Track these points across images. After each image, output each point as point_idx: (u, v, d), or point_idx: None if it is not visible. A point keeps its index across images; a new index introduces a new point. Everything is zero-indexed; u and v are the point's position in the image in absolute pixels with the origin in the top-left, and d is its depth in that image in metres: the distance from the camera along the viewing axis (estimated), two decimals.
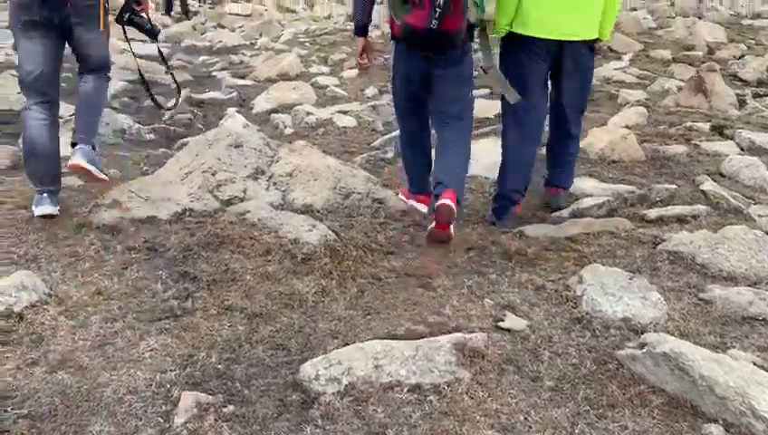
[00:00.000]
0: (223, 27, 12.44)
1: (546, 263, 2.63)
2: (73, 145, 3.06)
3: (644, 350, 1.85)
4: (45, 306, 2.08)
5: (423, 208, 3.19)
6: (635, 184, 3.88)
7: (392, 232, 2.85)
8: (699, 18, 12.51)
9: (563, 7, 2.94)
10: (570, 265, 2.60)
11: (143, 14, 3.36)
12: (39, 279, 2.20)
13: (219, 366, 1.86)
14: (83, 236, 2.69)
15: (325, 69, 8.27)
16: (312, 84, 7.12)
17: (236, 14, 14.68)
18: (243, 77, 7.71)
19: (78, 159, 3.00)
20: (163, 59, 4.04)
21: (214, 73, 7.87)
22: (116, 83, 6.95)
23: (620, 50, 8.58)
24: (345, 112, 5.64)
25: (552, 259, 2.66)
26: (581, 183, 3.84)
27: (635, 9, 13.80)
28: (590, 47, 3.16)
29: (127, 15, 3.30)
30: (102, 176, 3.13)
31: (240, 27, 12.67)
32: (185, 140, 4.68)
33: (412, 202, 3.24)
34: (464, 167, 3.06)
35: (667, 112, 5.44)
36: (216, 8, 15.79)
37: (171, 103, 4.01)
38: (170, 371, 1.82)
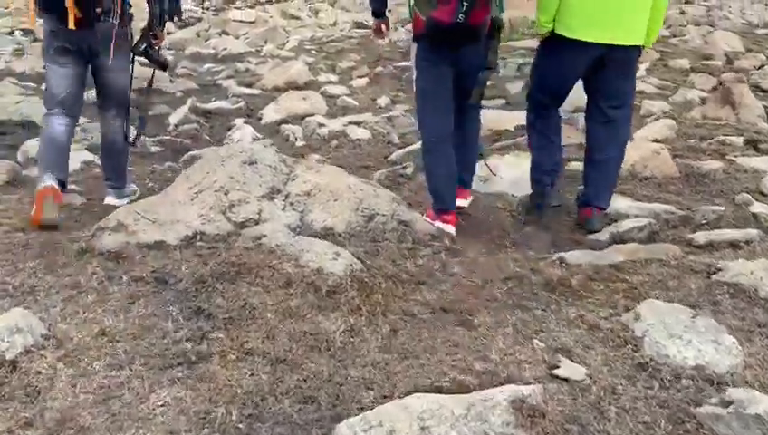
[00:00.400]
0: (227, 34, 12.25)
1: (594, 296, 2.39)
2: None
3: (730, 409, 1.61)
4: (42, 351, 1.84)
5: (451, 230, 3.03)
6: (672, 203, 3.65)
7: (422, 259, 2.62)
8: (711, 27, 12.34)
9: (612, 9, 2.86)
10: (620, 298, 2.36)
11: (158, 47, 3.53)
12: (36, 318, 1.97)
13: (240, 425, 1.62)
14: (85, 264, 2.45)
15: (333, 77, 8.05)
16: (321, 93, 6.89)
17: (240, 21, 14.49)
18: (249, 85, 7.50)
19: (111, 201, 3.41)
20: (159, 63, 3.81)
21: (219, 82, 7.65)
22: None
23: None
24: (358, 124, 5.41)
25: (599, 291, 2.42)
26: (615, 202, 3.60)
27: None
28: (637, 53, 3.10)
29: (143, 47, 3.44)
30: None
31: (245, 34, 12.48)
32: (192, 153, 4.45)
33: (438, 224, 3.05)
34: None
35: (695, 125, 5.21)
36: (219, 15, 15.62)
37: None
38: (185, 431, 1.58)
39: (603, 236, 3.12)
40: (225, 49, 9.67)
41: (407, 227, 2.88)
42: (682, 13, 14.46)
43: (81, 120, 5.56)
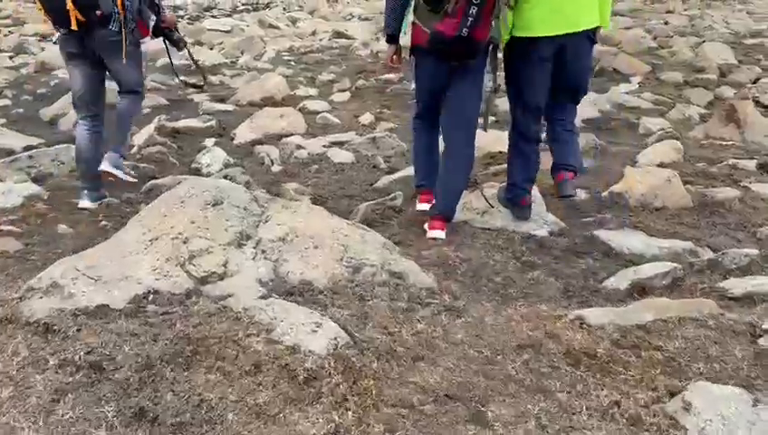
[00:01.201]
0: (201, 44, 11.74)
1: (626, 371, 1.99)
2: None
3: None
4: None
5: (441, 235, 3.18)
6: (689, 238, 3.29)
7: (420, 323, 2.20)
8: (697, 37, 12.16)
9: (562, 1, 2.99)
10: (658, 373, 1.97)
11: (172, 30, 3.99)
12: None
13: None
14: (8, 338, 1.99)
15: (313, 91, 7.63)
16: (300, 110, 6.46)
17: (216, 30, 14.01)
18: (223, 100, 7.04)
19: (105, 166, 3.59)
20: (196, 65, 5.04)
21: (191, 96, 7.18)
22: None
23: (627, 71, 8.08)
24: (341, 145, 4.99)
25: (632, 364, 2.02)
26: (628, 239, 3.24)
27: (629, 28, 13.43)
28: (592, 38, 3.18)
29: (159, 31, 3.94)
30: (129, 178, 3.88)
31: (220, 44, 12.00)
32: (155, 182, 3.99)
33: (430, 233, 3.21)
34: (465, 178, 3.35)
35: (699, 146, 4.90)
36: (194, 24, 15.11)
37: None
38: None
39: (622, 283, 2.73)
40: (198, 60, 9.16)
41: (400, 281, 2.46)
42: (666, 23, 14.32)
43: (36, 140, 5.16)
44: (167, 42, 4.03)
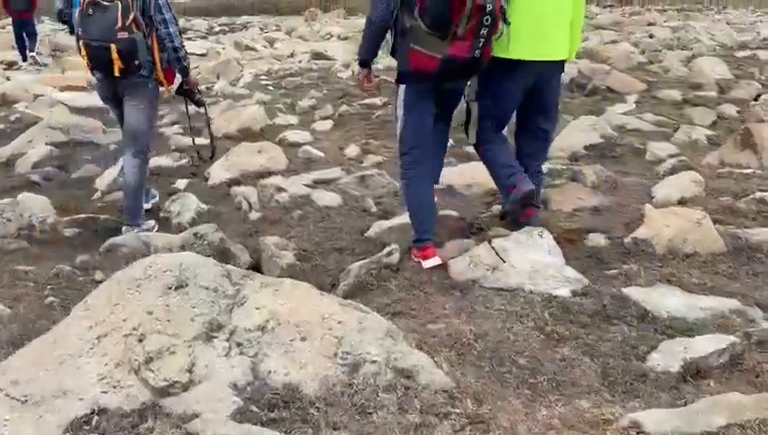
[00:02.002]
0: None
1: None
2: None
3: None
4: None
5: (435, 262, 3.12)
6: (732, 293, 2.87)
7: None
8: (684, 50, 11.95)
9: (542, 29, 3.16)
10: None
11: (194, 91, 4.19)
12: None
13: None
14: None
15: (294, 119, 7.17)
16: (280, 142, 6.01)
17: (191, 54, 13.50)
18: (197, 133, 6.55)
19: (122, 240, 3.57)
20: (210, 135, 4.72)
21: (162, 129, 6.67)
22: (40, 148, 5.73)
23: (621, 90, 7.75)
24: (326, 184, 4.53)
25: None
26: (664, 297, 2.80)
27: (615, 42, 13.20)
28: (562, 68, 3.38)
29: (181, 90, 4.15)
30: (151, 227, 4.00)
31: (195, 68, 11.48)
32: (115, 240, 3.48)
33: (420, 260, 3.15)
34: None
35: (717, 175, 4.51)
36: None
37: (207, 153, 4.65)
38: None
39: (672, 363, 2.28)
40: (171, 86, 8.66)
41: (409, 382, 1.98)
42: (651, 36, 14.15)
43: None
44: (187, 101, 4.29)
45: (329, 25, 20.34)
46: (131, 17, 3.48)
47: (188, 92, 4.14)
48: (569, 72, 8.62)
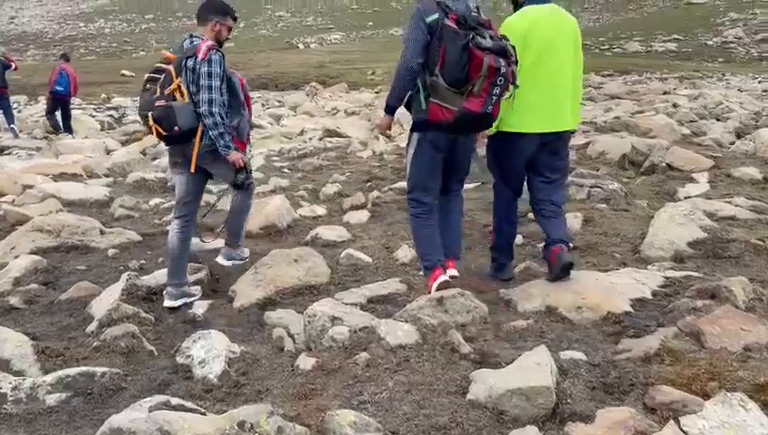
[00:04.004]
0: None
1: None
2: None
3: None
4: None
5: (447, 276, 3.51)
6: None
7: None
8: (718, 120, 11.30)
9: (547, 101, 3.51)
10: None
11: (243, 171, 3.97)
12: None
13: None
14: None
15: (320, 209, 6.25)
16: (313, 241, 5.06)
17: None
18: (212, 229, 5.59)
19: (219, 260, 4.29)
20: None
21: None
22: (23, 258, 4.72)
23: (685, 167, 6.91)
24: (387, 303, 3.54)
25: None
26: None
27: (642, 112, 12.57)
28: (568, 137, 3.71)
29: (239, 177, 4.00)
30: (245, 256, 4.41)
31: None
32: (115, 421, 2.39)
33: (434, 284, 3.48)
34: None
35: None
36: None
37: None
38: None
39: None
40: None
41: None
42: (675, 106, 13.56)
43: None
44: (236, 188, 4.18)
45: (333, 100, 19.89)
46: (172, 87, 3.61)
47: (239, 179, 3.99)
48: (621, 148, 7.84)
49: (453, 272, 3.63)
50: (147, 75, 3.79)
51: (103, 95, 24.18)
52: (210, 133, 3.68)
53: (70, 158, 10.13)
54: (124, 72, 32.71)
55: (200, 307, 3.83)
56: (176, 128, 3.61)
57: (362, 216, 5.88)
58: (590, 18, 56.88)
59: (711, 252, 4.31)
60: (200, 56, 3.61)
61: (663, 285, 3.67)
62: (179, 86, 3.63)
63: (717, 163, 6.94)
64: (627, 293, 3.51)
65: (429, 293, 3.40)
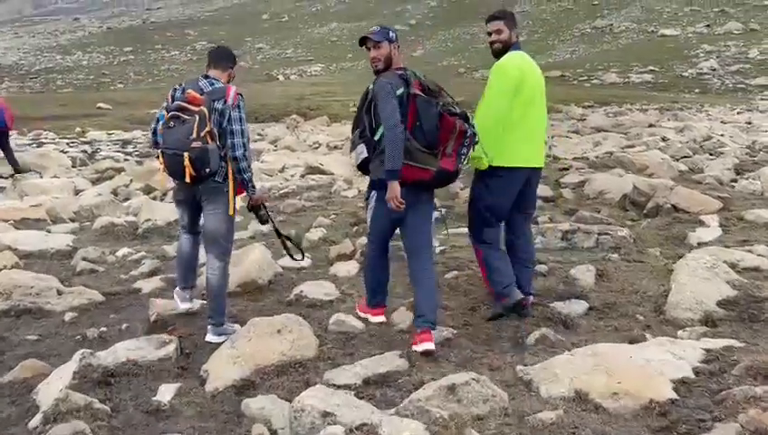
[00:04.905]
0: (153, 192, 9.80)
1: None
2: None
3: None
4: None
5: (380, 319, 3.99)
6: None
7: None
8: (711, 155, 11.07)
9: (533, 140, 3.92)
10: None
11: (260, 207, 4.14)
12: None
13: None
14: None
15: (305, 261, 5.70)
16: (297, 301, 4.53)
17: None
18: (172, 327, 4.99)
19: (209, 338, 3.90)
20: (284, 243, 4.61)
21: (138, 285, 5.12)
22: None
23: (692, 209, 6.52)
24: (387, 386, 3.01)
25: None
26: None
27: (632, 146, 12.33)
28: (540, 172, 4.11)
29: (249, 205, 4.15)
30: (236, 329, 3.91)
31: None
32: None
33: (369, 316, 4.01)
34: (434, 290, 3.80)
35: None
36: (144, 163, 13.27)
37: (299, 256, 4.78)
38: None
39: None
40: (149, 220, 7.18)
41: None
42: (664, 139, 13.37)
43: None
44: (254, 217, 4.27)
45: (315, 133, 19.46)
46: (207, 129, 3.68)
47: (254, 208, 4.12)
48: (621, 187, 7.47)
49: (427, 346, 3.48)
50: (169, 113, 3.77)
51: (78, 129, 23.50)
52: (244, 175, 3.84)
53: (35, 199, 9.48)
54: (100, 104, 32.10)
55: (167, 392, 3.24)
56: (207, 169, 3.69)
57: (351, 267, 5.35)
58: (566, 50, 57.66)
59: (745, 314, 3.87)
60: (230, 101, 3.77)
61: (704, 360, 3.20)
62: (212, 129, 3.70)
63: (726, 205, 6.58)
64: (666, 372, 3.02)
65: (361, 315, 4.04)
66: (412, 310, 4.09)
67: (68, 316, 4.46)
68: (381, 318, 3.98)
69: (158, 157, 3.90)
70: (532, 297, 4.05)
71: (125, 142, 19.55)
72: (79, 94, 43.43)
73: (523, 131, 3.83)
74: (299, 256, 4.69)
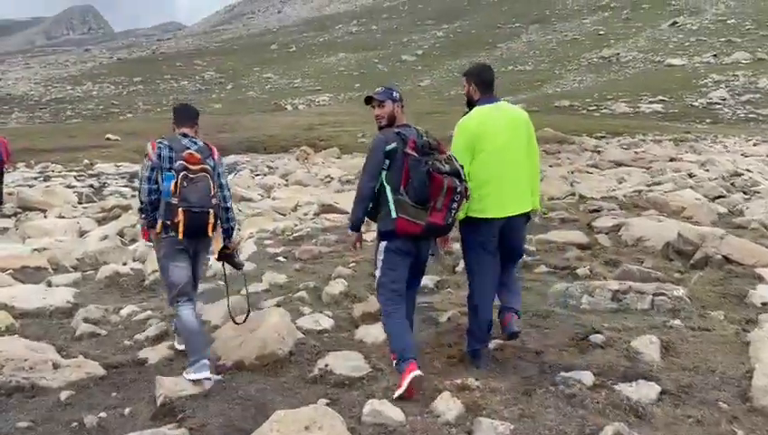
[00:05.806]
0: None
1: None
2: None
3: None
4: None
5: (416, 373, 3.67)
6: None
7: None
8: (745, 194, 10.57)
9: (508, 190, 3.98)
10: None
11: (233, 253, 4.49)
12: None
13: None
14: None
15: (326, 320, 5.20)
16: (323, 377, 4.01)
17: None
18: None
19: (191, 376, 3.91)
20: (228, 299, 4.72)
21: (144, 354, 4.60)
22: None
23: (746, 262, 5.98)
24: None
25: None
26: None
27: (659, 183, 11.83)
28: (527, 218, 4.16)
29: (222, 254, 4.47)
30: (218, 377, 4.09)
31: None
32: None
33: (404, 381, 3.67)
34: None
35: None
36: None
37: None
38: None
39: None
40: (156, 271, 6.69)
41: None
42: (691, 175, 12.87)
43: None
44: (228, 264, 4.51)
45: (326, 167, 19.10)
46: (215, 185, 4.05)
47: (230, 255, 4.40)
48: (662, 235, 6.95)
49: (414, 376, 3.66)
50: (181, 173, 3.95)
51: (86, 161, 23.28)
52: (231, 224, 4.37)
53: (37, 242, 9.05)
54: (109, 135, 32.04)
55: None
56: (218, 222, 4.10)
57: (378, 331, 4.80)
58: (573, 79, 57.57)
59: None
60: (216, 158, 4.22)
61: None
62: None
63: None
64: None
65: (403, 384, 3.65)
66: (458, 396, 3.56)
67: (64, 395, 3.94)
68: (417, 372, 3.69)
69: (175, 215, 3.93)
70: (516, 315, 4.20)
71: (132, 175, 19.25)
72: (88, 125, 43.56)
73: (492, 184, 3.94)
74: (240, 319, 4.54)
